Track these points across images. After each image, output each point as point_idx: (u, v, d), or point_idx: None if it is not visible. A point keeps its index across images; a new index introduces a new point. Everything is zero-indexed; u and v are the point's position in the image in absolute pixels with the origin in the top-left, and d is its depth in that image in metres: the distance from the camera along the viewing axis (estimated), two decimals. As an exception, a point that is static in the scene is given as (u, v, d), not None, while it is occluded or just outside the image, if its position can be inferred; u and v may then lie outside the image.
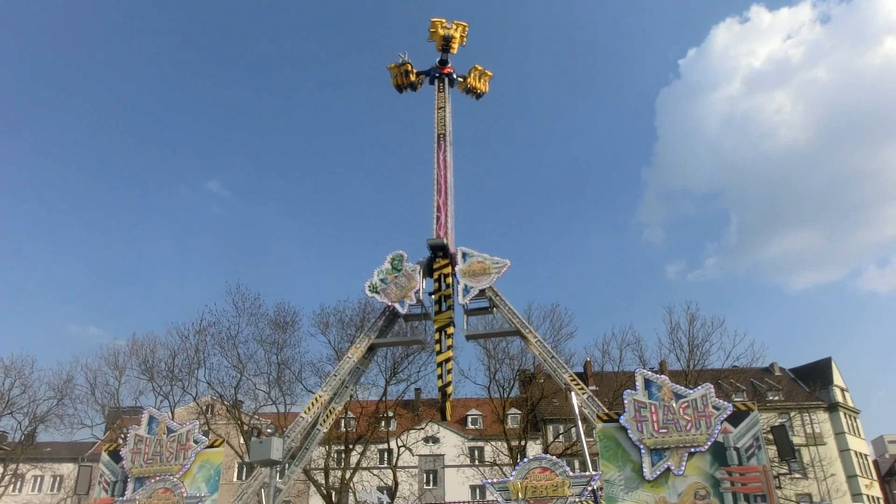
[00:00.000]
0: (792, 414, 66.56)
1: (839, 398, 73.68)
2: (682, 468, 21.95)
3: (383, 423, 57.62)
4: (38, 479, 67.60)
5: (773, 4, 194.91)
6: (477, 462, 64.24)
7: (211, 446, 26.84)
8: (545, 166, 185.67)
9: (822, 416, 71.71)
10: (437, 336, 31.57)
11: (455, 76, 39.42)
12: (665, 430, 22.71)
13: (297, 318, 55.61)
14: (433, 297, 32.41)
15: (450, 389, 30.99)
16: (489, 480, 24.01)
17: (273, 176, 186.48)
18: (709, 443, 22.19)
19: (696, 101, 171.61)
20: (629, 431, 23.00)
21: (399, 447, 56.69)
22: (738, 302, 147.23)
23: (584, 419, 27.66)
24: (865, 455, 72.84)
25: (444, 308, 31.96)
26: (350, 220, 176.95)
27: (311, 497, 61.59)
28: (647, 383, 23.88)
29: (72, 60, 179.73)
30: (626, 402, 23.68)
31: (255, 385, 54.37)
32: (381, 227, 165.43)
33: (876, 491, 70.61)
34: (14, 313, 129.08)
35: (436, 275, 32.66)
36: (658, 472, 22.07)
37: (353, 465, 53.14)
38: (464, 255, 31.70)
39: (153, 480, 25.93)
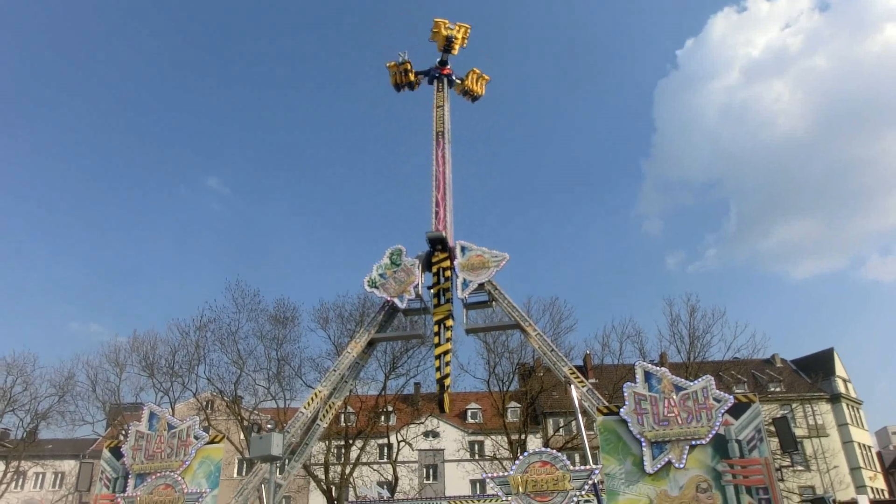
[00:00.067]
0: (794, 405, 66.55)
1: (841, 389, 73.61)
2: (684, 461, 21.87)
3: (383, 417, 57.63)
4: (40, 476, 67.73)
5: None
6: (477, 456, 64.21)
7: (211, 442, 26.79)
8: (543, 159, 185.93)
9: (825, 408, 71.66)
10: (435, 329, 31.48)
11: (454, 77, 39.48)
12: (666, 423, 22.63)
13: (297, 313, 55.64)
14: (432, 290, 32.32)
15: (448, 381, 30.91)
16: (489, 475, 23.94)
17: (272, 173, 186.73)
18: (710, 435, 22.09)
19: (695, 91, 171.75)
20: (630, 424, 22.92)
21: (399, 442, 56.67)
22: (739, 292, 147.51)
23: (585, 412, 27.57)
24: (869, 446, 72.76)
25: (442, 301, 31.88)
26: (349, 215, 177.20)
27: (311, 492, 61.64)
28: (648, 376, 23.78)
29: (71, 59, 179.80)
30: (626, 394, 23.60)
31: (254, 381, 54.42)
32: (380, 223, 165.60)
33: (880, 483, 70.55)
34: (15, 312, 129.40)
35: (434, 268, 32.56)
36: (659, 466, 21.99)
37: (353, 461, 53.16)
38: (462, 248, 31.61)
39: (154, 477, 25.89)
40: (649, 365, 24.43)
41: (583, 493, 22.24)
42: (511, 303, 30.92)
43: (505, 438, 55.04)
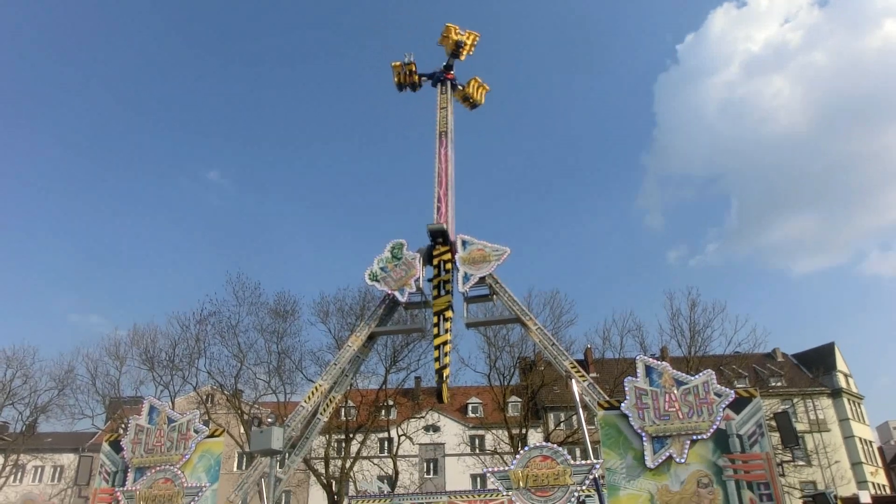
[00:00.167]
0: (795, 400, 66.46)
1: (843, 384, 73.58)
2: (684, 456, 21.77)
3: (383, 411, 57.61)
4: (39, 470, 67.73)
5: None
6: (477, 451, 64.22)
7: (211, 436, 26.65)
8: (544, 153, 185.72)
9: (826, 403, 71.63)
10: (435, 320, 31.43)
11: (456, 83, 39.87)
12: (667, 418, 22.53)
13: (298, 306, 55.71)
14: (432, 282, 32.29)
15: (447, 372, 30.91)
16: (490, 469, 23.86)
17: (273, 166, 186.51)
18: (711, 430, 21.99)
19: (695, 86, 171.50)
20: (630, 419, 22.81)
21: (399, 436, 56.67)
22: (740, 287, 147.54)
23: (585, 407, 27.52)
24: (870, 442, 72.71)
25: (442, 293, 31.85)
26: (350, 209, 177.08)
27: (311, 486, 61.59)
28: (649, 370, 23.67)
29: (74, 51, 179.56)
30: (627, 389, 23.49)
31: (255, 374, 54.48)
32: (381, 217, 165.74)
33: (882, 478, 70.49)
34: (15, 304, 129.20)
35: (435, 261, 32.54)
36: (660, 460, 21.89)
37: (354, 455, 53.19)
38: (464, 242, 31.58)
39: (154, 470, 25.77)
40: (650, 359, 24.30)
41: (583, 487, 22.15)
42: (512, 296, 30.89)
43: (506, 433, 55.04)
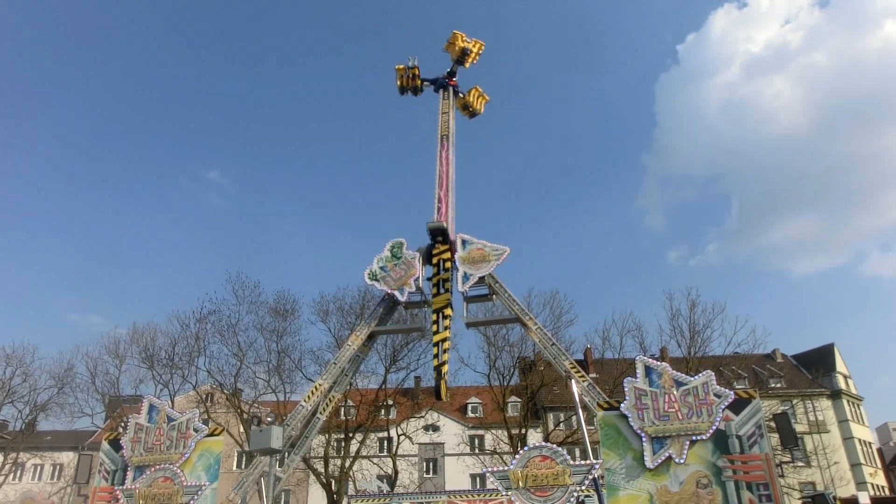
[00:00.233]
0: (794, 401, 66.44)
1: (842, 385, 73.56)
2: (684, 456, 21.77)
3: (383, 411, 57.61)
4: (38, 468, 67.81)
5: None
6: (477, 450, 64.22)
7: (211, 435, 26.65)
8: (544, 153, 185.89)
9: (825, 404, 71.62)
10: (434, 317, 31.44)
11: (458, 90, 40.17)
12: (666, 418, 22.53)
13: (297, 306, 55.73)
14: (431, 280, 32.31)
15: (445, 368, 30.91)
16: (489, 469, 23.86)
17: (273, 165, 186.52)
18: (710, 431, 21.99)
19: (695, 86, 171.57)
20: (630, 419, 22.81)
21: (399, 435, 56.68)
22: (740, 287, 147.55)
23: (585, 407, 27.51)
24: (869, 443, 72.68)
25: (441, 291, 31.87)
26: (350, 208, 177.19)
27: (310, 486, 61.56)
28: (648, 370, 23.67)
29: (73, 51, 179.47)
30: (626, 389, 23.48)
31: (254, 373, 54.48)
32: (380, 217, 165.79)
33: (881, 479, 70.47)
34: (15, 303, 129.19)
35: (435, 260, 32.56)
36: (659, 461, 21.89)
37: (353, 454, 53.17)
38: (463, 242, 31.60)
39: (153, 469, 25.76)
40: (650, 360, 24.30)
41: (583, 487, 22.15)
42: (511, 296, 30.90)
43: (505, 433, 55.03)
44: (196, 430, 26.41)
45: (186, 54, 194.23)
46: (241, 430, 53.43)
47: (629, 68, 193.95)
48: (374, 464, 55.54)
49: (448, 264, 32.23)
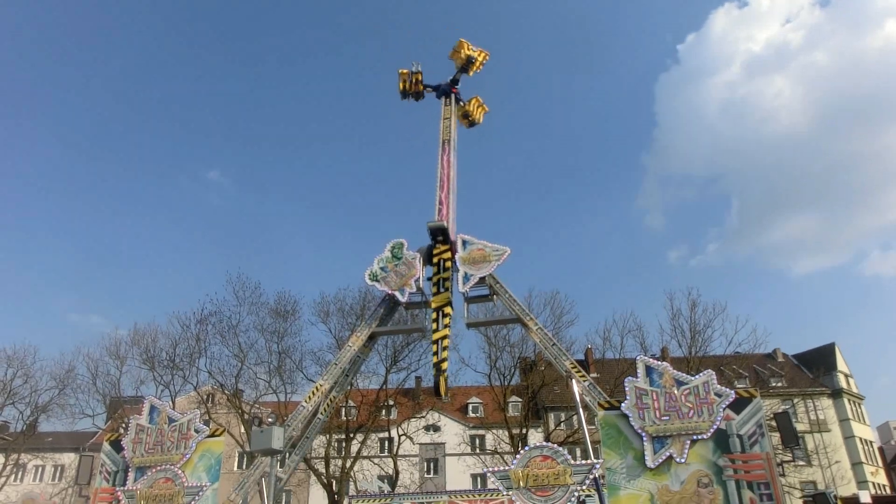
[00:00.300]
0: (795, 400, 66.44)
1: (843, 384, 73.52)
2: (685, 456, 21.79)
3: (384, 411, 57.63)
4: (40, 469, 67.76)
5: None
6: (478, 450, 64.21)
7: (212, 435, 26.67)
8: (544, 153, 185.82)
9: (826, 403, 71.57)
10: (434, 315, 31.47)
11: (460, 97, 40.59)
12: (667, 418, 22.55)
13: (298, 306, 55.78)
14: (432, 280, 32.34)
15: (445, 366, 30.96)
16: (490, 469, 23.88)
17: (273, 166, 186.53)
18: (711, 430, 22.01)
19: (696, 86, 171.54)
20: (631, 419, 22.83)
21: (400, 436, 56.69)
22: (741, 287, 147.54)
23: (586, 407, 27.55)
24: (871, 442, 72.64)
25: (441, 290, 31.90)
26: (350, 209, 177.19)
27: (311, 486, 61.54)
28: (649, 370, 23.68)
29: (73, 51, 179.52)
30: (627, 389, 23.51)
31: (255, 374, 54.51)
32: (381, 217, 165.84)
33: (882, 478, 70.42)
34: (15, 304, 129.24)
35: (435, 259, 32.62)
36: (660, 460, 21.91)
37: (354, 454, 53.17)
38: (464, 242, 31.65)
39: (154, 470, 25.79)
40: (651, 359, 24.33)
41: (584, 487, 22.17)
42: (512, 297, 30.93)
43: (506, 433, 55.06)
44: (197, 431, 26.43)
45: (186, 54, 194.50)
46: (242, 430, 53.45)
47: (629, 68, 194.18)
48: (375, 464, 55.55)
49: (448, 264, 32.31)
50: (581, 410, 27.66)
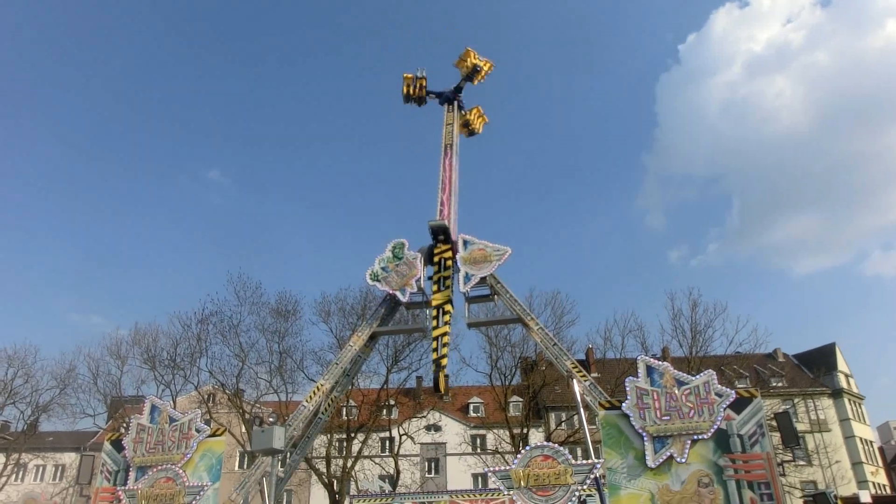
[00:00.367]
0: (796, 400, 66.48)
1: (843, 384, 73.53)
2: (685, 456, 21.82)
3: (385, 411, 57.65)
4: (41, 469, 67.79)
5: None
6: (479, 450, 64.23)
7: (213, 435, 26.70)
8: (544, 153, 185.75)
9: (827, 403, 71.57)
10: (434, 313, 31.48)
11: (462, 104, 40.98)
12: (668, 418, 22.57)
13: (299, 306, 55.85)
14: (432, 278, 32.37)
15: (444, 362, 30.96)
16: (491, 469, 23.90)
17: (273, 165, 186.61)
18: (712, 430, 22.04)
19: (697, 86, 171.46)
20: (631, 419, 22.86)
21: (401, 435, 56.73)
22: (741, 287, 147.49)
23: (587, 406, 27.56)
24: (871, 441, 72.66)
25: (442, 288, 31.93)
26: (351, 209, 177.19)
27: (312, 486, 61.60)
28: (650, 370, 23.71)
29: (73, 51, 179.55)
30: (628, 389, 23.54)
31: (256, 374, 54.57)
32: (381, 217, 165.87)
33: (882, 478, 70.44)
34: (15, 302, 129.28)
35: (436, 258, 32.65)
36: (661, 460, 21.94)
37: (355, 454, 53.21)
38: (465, 242, 31.67)
39: (155, 469, 25.82)
40: (651, 359, 24.36)
41: (585, 487, 22.20)
42: (513, 297, 30.94)
43: (507, 432, 55.12)
44: (198, 431, 26.46)
45: (186, 54, 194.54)
46: (243, 430, 53.49)
47: (630, 68, 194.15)
48: (376, 464, 55.61)
49: (449, 262, 32.35)
50: (582, 410, 27.71)
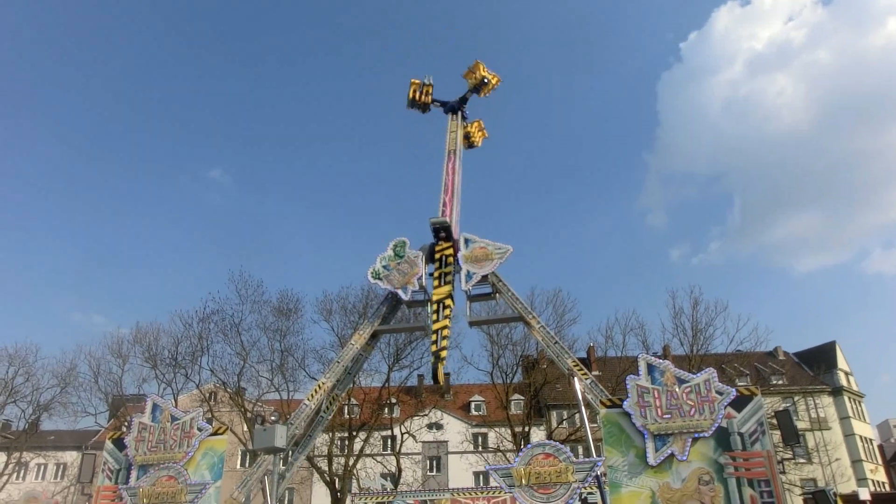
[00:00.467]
0: (796, 398, 66.62)
1: (843, 382, 73.57)
2: (686, 454, 21.89)
3: (386, 409, 57.69)
4: (42, 468, 67.90)
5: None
6: (480, 448, 64.36)
7: (215, 434, 26.77)
8: (545, 153, 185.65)
9: (827, 401, 71.59)
10: (434, 307, 31.52)
11: (466, 114, 41.18)
12: (668, 416, 22.63)
13: (300, 305, 55.81)
14: (433, 275, 32.41)
15: (444, 354, 31.03)
16: (493, 466, 23.96)
17: (274, 165, 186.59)
18: (712, 428, 22.10)
19: (698, 84, 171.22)
20: (633, 417, 22.92)
21: (402, 434, 56.78)
22: (742, 285, 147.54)
23: (588, 405, 27.61)
24: (870, 439, 72.72)
25: (443, 283, 31.99)
26: (352, 208, 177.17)
27: (314, 484, 61.70)
28: (651, 368, 23.77)
29: (73, 51, 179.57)
30: (629, 387, 23.60)
31: (258, 372, 54.55)
32: (381, 217, 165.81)
33: (881, 476, 70.53)
34: (16, 302, 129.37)
35: (437, 255, 32.69)
36: (662, 458, 22.01)
37: (357, 452, 53.25)
38: (466, 240, 31.71)
39: (157, 468, 25.88)
40: (652, 357, 24.44)
41: (586, 485, 22.30)
42: (514, 295, 30.99)
43: (508, 430, 55.21)
44: (200, 429, 26.53)
45: (186, 54, 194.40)
46: (245, 428, 53.54)
47: (631, 67, 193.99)
48: (378, 462, 55.68)
49: (450, 259, 32.39)
50: (583, 408, 27.76)
